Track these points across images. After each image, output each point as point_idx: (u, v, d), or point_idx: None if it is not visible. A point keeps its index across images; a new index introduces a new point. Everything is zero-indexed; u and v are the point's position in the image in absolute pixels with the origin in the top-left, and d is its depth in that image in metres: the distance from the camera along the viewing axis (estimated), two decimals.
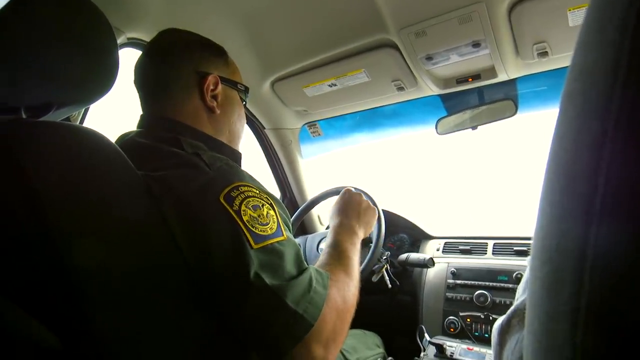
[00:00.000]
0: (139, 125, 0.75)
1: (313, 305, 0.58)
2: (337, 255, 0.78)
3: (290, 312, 0.55)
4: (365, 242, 1.35)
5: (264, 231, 0.58)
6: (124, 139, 0.71)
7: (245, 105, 0.87)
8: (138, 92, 0.79)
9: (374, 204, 1.26)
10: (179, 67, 0.75)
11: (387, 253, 1.26)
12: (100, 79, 0.63)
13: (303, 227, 1.87)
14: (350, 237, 0.85)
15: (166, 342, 0.54)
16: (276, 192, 1.88)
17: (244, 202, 0.58)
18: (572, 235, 0.18)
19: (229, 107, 0.80)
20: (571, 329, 0.17)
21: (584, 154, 0.17)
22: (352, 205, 0.96)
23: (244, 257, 0.55)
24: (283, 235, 0.61)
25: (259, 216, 0.59)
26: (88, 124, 1.02)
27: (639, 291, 0.15)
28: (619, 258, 0.16)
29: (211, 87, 0.76)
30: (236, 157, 0.82)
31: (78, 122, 0.98)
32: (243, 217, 0.57)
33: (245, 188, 0.61)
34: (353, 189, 1.04)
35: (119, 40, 1.00)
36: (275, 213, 0.63)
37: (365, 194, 1.32)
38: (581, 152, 0.18)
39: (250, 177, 0.66)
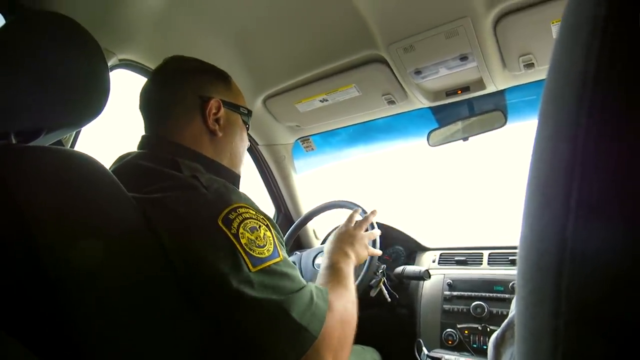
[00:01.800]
0: (139, 147, 0.76)
1: (316, 318, 0.59)
2: (335, 273, 0.81)
3: (296, 326, 0.56)
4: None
5: (261, 254, 0.59)
6: (123, 160, 0.71)
7: (248, 129, 0.88)
8: (142, 116, 0.80)
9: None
10: (182, 91, 0.76)
11: (383, 266, 1.26)
12: (91, 102, 0.64)
13: (298, 242, 1.87)
14: (344, 259, 0.88)
15: (154, 356, 0.53)
16: (271, 208, 1.88)
17: (242, 225, 0.59)
18: (549, 255, 0.18)
19: (231, 130, 0.81)
20: (552, 348, 0.17)
21: (558, 175, 0.18)
22: (348, 233, 1.01)
23: (243, 280, 0.55)
24: (280, 256, 0.61)
25: (256, 238, 0.59)
26: (82, 145, 1.02)
27: (614, 310, 0.16)
28: (593, 279, 0.16)
29: (213, 111, 0.77)
30: (234, 179, 0.82)
31: (70, 145, 0.97)
32: (241, 240, 0.57)
33: (243, 210, 0.61)
34: (360, 211, 1.07)
35: (111, 62, 1.01)
36: (272, 234, 0.63)
37: (363, 211, 1.32)
38: (555, 173, 0.18)
39: (247, 198, 0.66)
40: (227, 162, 0.81)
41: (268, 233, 0.62)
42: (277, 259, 0.60)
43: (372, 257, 1.17)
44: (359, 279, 1.16)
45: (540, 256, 0.19)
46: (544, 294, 0.18)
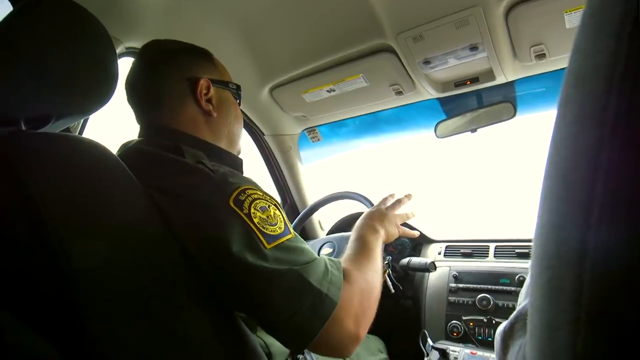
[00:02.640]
0: (140, 135, 0.76)
1: (334, 285, 0.61)
2: (359, 244, 0.82)
3: (317, 291, 0.58)
4: None
5: (274, 231, 0.60)
6: (127, 147, 0.71)
7: (239, 104, 0.87)
8: (132, 107, 0.79)
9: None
10: (169, 77, 0.75)
11: (388, 258, 1.26)
12: (99, 89, 0.63)
13: (304, 233, 1.87)
14: (371, 233, 0.87)
15: (166, 348, 0.54)
16: (276, 198, 1.88)
17: (253, 205, 0.60)
18: (571, 243, 0.18)
19: (225, 109, 0.81)
20: (571, 337, 0.17)
21: (582, 161, 0.17)
22: (379, 211, 0.99)
23: (260, 256, 0.56)
24: (291, 232, 0.63)
25: (267, 217, 0.61)
26: (88, 133, 1.02)
27: (638, 299, 0.15)
28: (618, 266, 0.16)
29: (204, 91, 0.76)
30: (237, 164, 0.82)
31: (77, 133, 0.98)
32: (254, 219, 0.59)
33: (251, 191, 0.62)
34: (391, 199, 1.05)
35: (118, 50, 1.01)
36: (281, 212, 0.65)
37: (366, 199, 1.32)
38: (578, 159, 0.18)
39: (253, 181, 0.67)
40: (226, 142, 0.81)
41: (277, 212, 0.64)
42: (289, 235, 0.62)
43: None
44: None
45: (560, 244, 0.18)
46: (564, 283, 0.18)
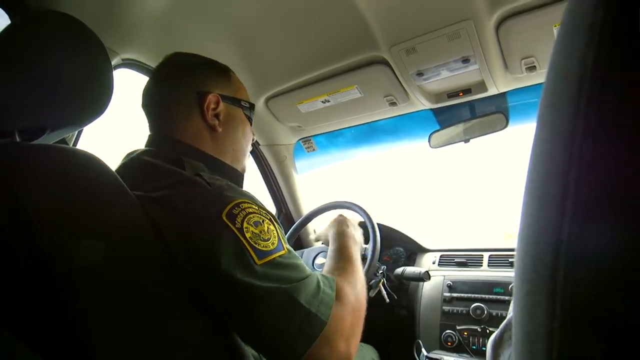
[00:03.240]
0: (146, 144, 0.77)
1: (324, 304, 0.60)
2: (344, 257, 0.83)
3: (305, 311, 0.57)
4: (360, 257, 1.35)
5: (266, 247, 0.60)
6: (130, 157, 0.72)
7: (251, 122, 0.87)
8: (145, 114, 0.80)
9: (369, 219, 1.27)
10: (180, 87, 0.77)
11: (383, 267, 1.26)
12: (94, 101, 0.64)
13: (299, 242, 1.87)
14: (350, 241, 0.92)
15: (158, 355, 0.54)
16: (271, 208, 1.88)
17: (246, 219, 0.60)
18: (544, 258, 0.18)
19: (231, 125, 0.81)
20: (547, 350, 0.18)
21: (554, 179, 0.18)
22: (342, 218, 1.06)
23: (250, 272, 0.56)
24: (284, 248, 0.62)
25: (260, 232, 0.60)
26: (83, 144, 1.02)
27: (607, 313, 0.16)
28: (588, 282, 0.16)
29: (212, 106, 0.77)
30: (237, 177, 0.82)
31: (72, 144, 0.98)
32: (246, 234, 0.58)
33: (246, 205, 0.62)
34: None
35: (114, 62, 1.01)
36: (276, 228, 0.64)
37: (361, 208, 1.32)
38: (551, 177, 0.18)
39: (250, 194, 0.66)
40: (230, 158, 0.81)
41: (272, 227, 0.63)
42: (282, 252, 0.61)
43: (372, 258, 1.18)
44: None
45: (536, 258, 0.19)
46: (540, 296, 0.18)
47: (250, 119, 0.86)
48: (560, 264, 0.17)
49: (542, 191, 0.19)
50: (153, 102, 0.79)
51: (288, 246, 0.65)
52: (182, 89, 0.77)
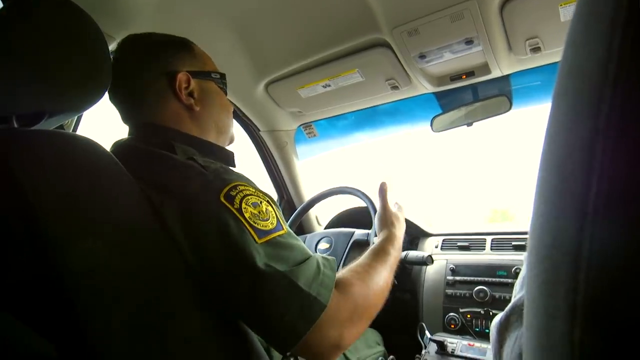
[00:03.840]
0: (130, 133, 0.75)
1: (324, 287, 0.59)
2: (377, 259, 0.79)
3: (304, 294, 0.57)
4: (363, 244, 1.35)
5: (265, 226, 0.60)
6: (119, 144, 0.71)
7: (226, 93, 0.84)
8: (116, 107, 0.77)
9: (372, 204, 1.27)
10: (147, 73, 0.74)
11: None
12: (92, 86, 0.63)
13: (301, 228, 1.87)
14: (391, 243, 0.89)
15: (165, 347, 0.54)
16: (273, 194, 1.88)
17: (244, 200, 0.60)
18: (567, 233, 0.18)
19: (208, 100, 0.79)
20: (568, 326, 0.17)
21: (576, 152, 0.17)
22: (389, 214, 1.03)
23: (250, 251, 0.56)
24: (283, 229, 0.62)
25: (259, 212, 0.60)
26: (82, 130, 1.01)
27: (634, 289, 0.15)
28: (614, 256, 0.16)
29: (184, 85, 0.74)
30: (229, 158, 0.81)
31: (71, 130, 0.97)
32: (245, 214, 0.58)
33: (243, 187, 0.61)
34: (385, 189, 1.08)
35: (111, 47, 1.00)
36: (274, 209, 0.64)
37: (363, 193, 1.32)
38: (573, 150, 0.18)
39: (245, 177, 0.66)
40: (215, 134, 0.80)
41: (270, 207, 0.63)
42: (281, 231, 0.61)
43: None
44: None
45: (556, 234, 0.18)
46: (561, 272, 0.18)
47: (224, 89, 0.83)
48: (584, 239, 0.17)
49: (562, 166, 0.18)
50: (122, 93, 0.76)
51: (287, 227, 0.65)
52: (150, 75, 0.74)
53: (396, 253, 0.87)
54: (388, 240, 0.89)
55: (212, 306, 0.59)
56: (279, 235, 0.60)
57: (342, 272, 0.69)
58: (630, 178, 0.15)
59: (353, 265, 0.74)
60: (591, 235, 0.16)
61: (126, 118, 0.77)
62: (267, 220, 0.60)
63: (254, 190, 0.63)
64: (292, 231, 0.66)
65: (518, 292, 0.41)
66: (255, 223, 0.58)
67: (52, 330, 0.47)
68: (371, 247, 0.86)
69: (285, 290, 0.56)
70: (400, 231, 0.98)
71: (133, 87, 0.74)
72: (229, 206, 0.58)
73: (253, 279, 0.55)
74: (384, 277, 0.75)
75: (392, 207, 1.05)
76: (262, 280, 0.55)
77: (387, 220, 1.00)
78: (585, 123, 0.17)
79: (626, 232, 0.15)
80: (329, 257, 0.67)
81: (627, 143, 0.15)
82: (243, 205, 0.59)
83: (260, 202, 0.62)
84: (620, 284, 0.16)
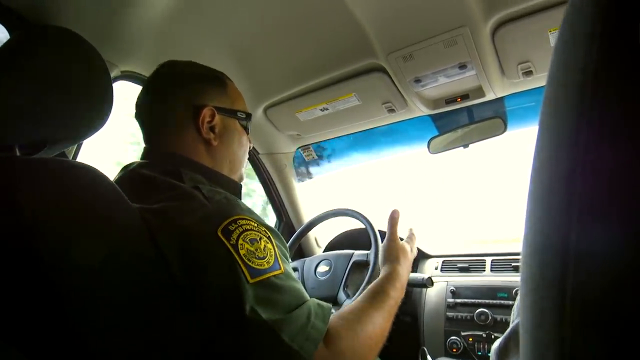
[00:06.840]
0: (142, 157, 0.76)
1: (310, 340, 0.57)
2: (375, 300, 0.76)
3: (285, 348, 0.54)
4: (363, 265, 1.34)
5: (260, 265, 0.58)
6: (127, 169, 0.72)
7: (247, 132, 0.85)
8: (139, 126, 0.79)
9: (370, 225, 1.27)
10: (174, 101, 0.75)
11: None
12: (94, 114, 0.64)
13: (300, 250, 1.86)
14: (390, 288, 0.82)
15: None
16: (272, 216, 1.88)
17: (242, 236, 0.58)
18: (553, 264, 0.18)
19: (227, 137, 0.79)
20: (559, 356, 0.18)
21: (559, 184, 0.18)
22: (397, 247, 0.99)
23: (240, 291, 0.54)
24: (280, 268, 0.60)
25: (256, 250, 0.58)
26: (83, 156, 1.02)
27: (615, 324, 0.16)
28: (598, 286, 0.16)
29: (207, 119, 0.76)
30: (236, 189, 0.81)
31: (72, 157, 0.98)
32: (240, 251, 0.57)
33: (244, 221, 0.60)
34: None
35: (113, 74, 1.02)
36: (273, 246, 0.62)
37: (362, 215, 1.32)
38: (556, 183, 0.18)
39: (249, 210, 0.65)
40: (227, 169, 0.80)
41: (269, 245, 0.61)
42: (278, 271, 0.59)
43: (374, 265, 1.17)
44: (361, 287, 1.15)
45: (544, 265, 0.19)
46: (549, 303, 0.18)
47: (246, 129, 0.85)
48: (569, 269, 0.17)
49: (547, 197, 0.19)
50: (147, 116, 0.78)
51: (286, 266, 0.62)
52: (176, 102, 0.75)
53: (397, 294, 0.82)
54: (389, 280, 0.85)
55: (198, 342, 0.58)
56: (274, 276, 0.58)
57: (331, 320, 0.63)
58: (609, 209, 0.16)
59: (346, 310, 0.70)
60: (574, 270, 0.17)
61: (146, 139, 0.78)
62: (263, 258, 0.59)
63: (255, 225, 0.61)
64: (291, 271, 0.63)
65: (515, 318, 0.41)
66: (250, 261, 0.57)
67: (44, 354, 0.47)
68: (370, 286, 0.82)
69: (267, 342, 0.54)
70: (404, 268, 0.92)
71: (158, 111, 0.76)
72: (225, 242, 0.56)
73: (236, 325, 0.53)
74: (378, 324, 0.70)
75: (403, 236, 1.01)
76: (245, 327, 0.53)
77: (392, 254, 0.95)
78: (565, 160, 0.18)
79: (607, 269, 0.16)
80: (324, 305, 0.64)
81: (603, 174, 0.16)
82: (240, 241, 0.57)
83: (260, 239, 0.60)
84: (603, 321, 0.16)
